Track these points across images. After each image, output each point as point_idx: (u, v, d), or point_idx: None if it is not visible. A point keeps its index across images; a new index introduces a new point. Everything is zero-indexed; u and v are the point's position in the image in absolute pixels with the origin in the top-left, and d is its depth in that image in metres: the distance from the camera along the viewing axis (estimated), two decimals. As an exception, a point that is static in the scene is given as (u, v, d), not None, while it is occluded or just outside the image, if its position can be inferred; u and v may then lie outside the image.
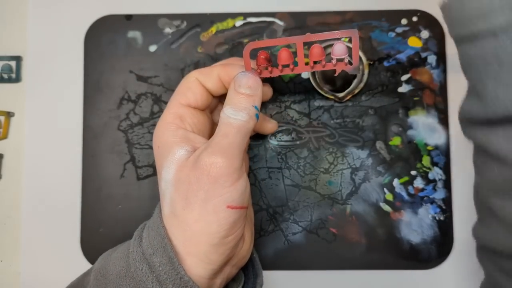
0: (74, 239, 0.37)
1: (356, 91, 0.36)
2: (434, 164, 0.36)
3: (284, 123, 0.37)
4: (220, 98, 0.32)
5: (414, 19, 0.37)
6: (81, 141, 0.37)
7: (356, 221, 0.36)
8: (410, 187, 0.36)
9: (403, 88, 0.37)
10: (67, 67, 0.38)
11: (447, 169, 0.36)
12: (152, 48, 0.38)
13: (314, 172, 0.37)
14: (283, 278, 0.36)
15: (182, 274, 0.24)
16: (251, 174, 0.37)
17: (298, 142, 0.37)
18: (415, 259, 0.36)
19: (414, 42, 0.37)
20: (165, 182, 0.27)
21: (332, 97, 0.36)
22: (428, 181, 0.36)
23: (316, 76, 0.36)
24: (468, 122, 0.26)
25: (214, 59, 0.37)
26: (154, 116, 0.37)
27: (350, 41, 0.32)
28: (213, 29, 0.38)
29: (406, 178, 0.36)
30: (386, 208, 0.36)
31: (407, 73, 0.37)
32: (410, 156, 0.36)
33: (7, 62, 0.38)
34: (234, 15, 0.38)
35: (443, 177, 0.36)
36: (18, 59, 0.38)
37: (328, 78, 0.36)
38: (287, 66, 0.28)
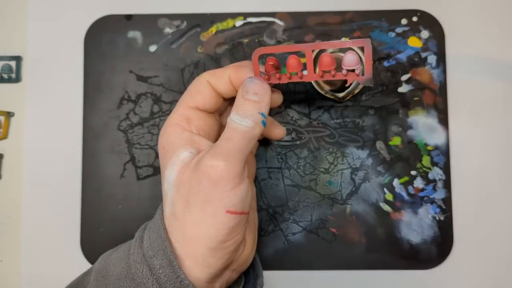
0: (74, 239, 0.37)
1: (356, 91, 0.36)
2: (434, 164, 0.36)
3: (284, 123, 0.37)
4: (231, 101, 0.31)
5: (414, 19, 0.37)
6: (81, 141, 0.37)
7: (356, 221, 0.36)
8: (410, 187, 0.36)
9: (403, 88, 0.37)
10: (67, 67, 0.38)
11: (447, 169, 0.36)
12: (152, 48, 0.38)
13: (314, 172, 0.37)
14: (283, 278, 0.36)
15: (183, 277, 0.24)
16: (251, 174, 0.37)
17: (298, 142, 0.37)
18: (415, 259, 0.36)
19: (414, 42, 0.37)
20: (168, 183, 0.27)
21: (332, 97, 0.36)
22: (428, 181, 0.36)
23: (316, 76, 0.36)
24: None
25: (214, 59, 0.37)
26: (154, 116, 0.37)
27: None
28: (213, 29, 0.38)
29: (406, 178, 0.36)
30: (386, 208, 0.36)
31: (407, 73, 0.37)
32: (410, 156, 0.36)
33: (7, 62, 0.38)
34: (234, 15, 0.38)
35: (443, 177, 0.36)
36: (18, 59, 0.38)
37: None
38: (296, 73, 0.27)
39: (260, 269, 0.31)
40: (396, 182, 0.36)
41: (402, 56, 0.37)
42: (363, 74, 0.26)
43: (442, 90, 0.37)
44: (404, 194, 0.36)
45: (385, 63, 0.37)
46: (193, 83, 0.29)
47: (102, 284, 0.26)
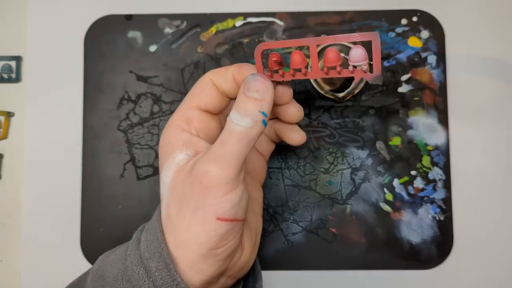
0: (74, 239, 0.37)
1: (356, 91, 0.36)
2: (434, 164, 0.36)
3: (284, 123, 0.37)
4: None
5: (414, 19, 0.37)
6: (81, 141, 0.37)
7: (356, 221, 0.36)
8: (410, 187, 0.36)
9: (403, 88, 0.37)
10: (67, 67, 0.38)
11: (447, 169, 0.36)
12: (152, 48, 0.38)
13: (314, 172, 0.37)
14: (283, 278, 0.36)
15: (179, 281, 0.24)
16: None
17: (298, 142, 0.37)
18: (415, 259, 0.36)
19: (414, 42, 0.37)
20: (163, 185, 0.26)
21: (332, 97, 0.36)
22: (428, 181, 0.36)
23: (316, 76, 0.36)
24: None
25: (214, 59, 0.37)
26: (154, 116, 0.37)
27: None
28: (213, 29, 0.38)
29: (406, 178, 0.36)
30: (386, 208, 0.36)
31: (407, 73, 0.37)
32: (410, 156, 0.36)
33: (7, 62, 0.38)
34: (234, 15, 0.38)
35: (443, 177, 0.36)
36: (18, 59, 0.38)
37: (328, 78, 0.36)
38: (300, 70, 0.26)
39: (259, 272, 0.30)
40: (396, 182, 0.36)
41: (402, 56, 0.37)
42: (370, 71, 0.24)
43: (442, 90, 0.37)
44: (404, 194, 0.36)
45: (385, 63, 0.37)
46: (197, 82, 0.28)
47: (98, 285, 0.26)
